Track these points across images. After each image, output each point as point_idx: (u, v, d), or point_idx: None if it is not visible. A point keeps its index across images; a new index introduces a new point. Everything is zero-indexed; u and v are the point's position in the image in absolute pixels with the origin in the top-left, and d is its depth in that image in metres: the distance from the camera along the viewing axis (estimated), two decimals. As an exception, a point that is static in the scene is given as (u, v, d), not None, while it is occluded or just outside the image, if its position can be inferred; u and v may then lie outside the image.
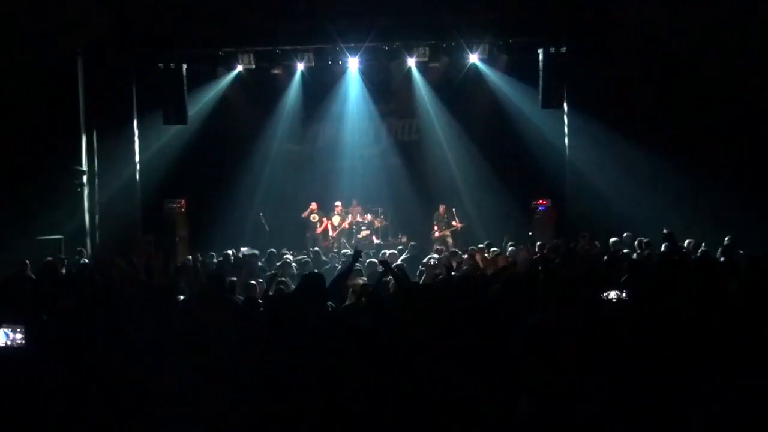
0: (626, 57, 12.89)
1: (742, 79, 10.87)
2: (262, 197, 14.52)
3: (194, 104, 14.12)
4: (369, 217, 14.91)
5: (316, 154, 15.72)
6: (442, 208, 14.51)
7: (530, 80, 13.52)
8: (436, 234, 14.34)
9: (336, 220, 14.85)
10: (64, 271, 9.13)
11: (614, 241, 10.23)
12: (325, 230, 14.76)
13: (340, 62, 14.24)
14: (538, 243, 10.57)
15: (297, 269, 8.85)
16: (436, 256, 9.56)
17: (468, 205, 14.56)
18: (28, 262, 8.67)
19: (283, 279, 7.23)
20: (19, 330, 3.63)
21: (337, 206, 14.84)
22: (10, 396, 3.86)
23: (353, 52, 13.80)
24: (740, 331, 3.77)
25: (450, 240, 14.10)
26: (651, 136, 12.70)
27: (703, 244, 9.07)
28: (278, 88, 14.84)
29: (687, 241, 9.16)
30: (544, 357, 2.84)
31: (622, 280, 5.64)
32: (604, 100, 12.97)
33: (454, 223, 14.35)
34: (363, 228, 14.73)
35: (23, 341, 3.64)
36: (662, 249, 8.27)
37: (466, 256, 9.24)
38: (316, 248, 11.63)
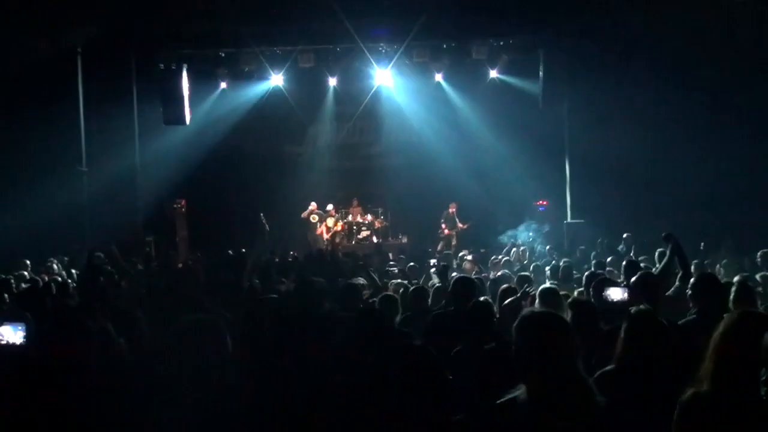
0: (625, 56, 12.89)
1: (739, 76, 10.84)
2: (262, 198, 14.52)
3: (194, 104, 14.11)
4: (369, 217, 14.91)
5: (316, 154, 15.73)
6: (452, 207, 14.41)
7: (530, 80, 13.52)
8: (445, 232, 14.31)
9: (330, 221, 14.77)
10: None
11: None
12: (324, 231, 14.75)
13: (340, 62, 14.24)
14: None
15: None
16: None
17: (468, 205, 14.55)
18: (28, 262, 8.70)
19: None
20: (19, 328, 3.64)
21: (330, 209, 14.77)
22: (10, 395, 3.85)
23: (353, 52, 13.80)
24: None
25: (454, 241, 14.09)
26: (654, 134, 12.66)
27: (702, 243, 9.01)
28: (278, 88, 14.85)
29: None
30: None
31: (627, 282, 5.62)
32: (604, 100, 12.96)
33: (459, 225, 14.35)
34: (363, 228, 14.72)
35: (24, 340, 3.64)
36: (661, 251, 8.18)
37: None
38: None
